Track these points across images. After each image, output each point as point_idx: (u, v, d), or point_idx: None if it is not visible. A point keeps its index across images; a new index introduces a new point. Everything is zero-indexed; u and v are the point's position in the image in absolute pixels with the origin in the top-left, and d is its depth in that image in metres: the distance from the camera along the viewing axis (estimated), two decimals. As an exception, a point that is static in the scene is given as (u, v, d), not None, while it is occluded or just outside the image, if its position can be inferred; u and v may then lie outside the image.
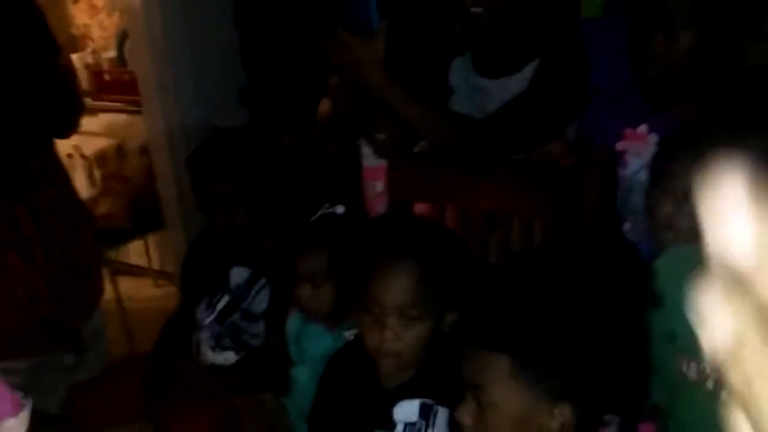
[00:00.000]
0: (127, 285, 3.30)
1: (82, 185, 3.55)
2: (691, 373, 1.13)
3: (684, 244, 1.19)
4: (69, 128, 1.99)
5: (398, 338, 1.28)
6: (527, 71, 1.67)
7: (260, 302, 1.79)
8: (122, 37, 3.49)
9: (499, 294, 1.23)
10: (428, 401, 1.33)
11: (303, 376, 1.64)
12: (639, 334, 1.22)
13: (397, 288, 1.26)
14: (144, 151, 3.25)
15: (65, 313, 1.88)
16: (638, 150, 1.57)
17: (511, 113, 1.63)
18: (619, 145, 1.59)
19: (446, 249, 1.31)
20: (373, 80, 1.58)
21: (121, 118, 3.49)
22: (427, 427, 1.34)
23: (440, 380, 1.30)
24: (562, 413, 0.98)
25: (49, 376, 1.87)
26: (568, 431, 0.99)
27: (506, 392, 0.99)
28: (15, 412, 1.12)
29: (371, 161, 1.94)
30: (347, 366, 1.38)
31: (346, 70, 1.63)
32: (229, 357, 1.81)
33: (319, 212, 1.59)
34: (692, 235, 1.18)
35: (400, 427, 1.36)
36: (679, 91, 1.54)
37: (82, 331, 1.96)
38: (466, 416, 1.04)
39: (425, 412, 1.34)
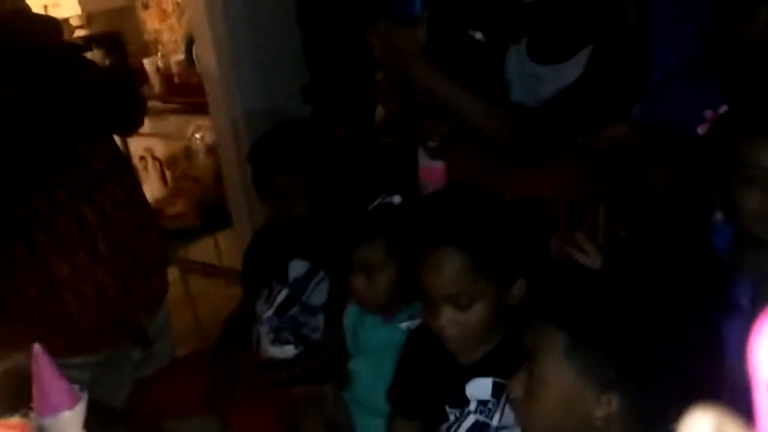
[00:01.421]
0: (198, 283, 3.36)
1: (154, 186, 3.65)
2: None
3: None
4: (131, 126, 2.03)
5: (454, 325, 1.26)
6: (582, 57, 1.61)
7: (319, 295, 1.79)
8: (190, 40, 3.55)
9: (572, 272, 1.20)
10: (502, 380, 1.28)
11: (361, 368, 1.62)
12: (713, 341, 1.17)
13: (442, 277, 1.23)
14: (211, 150, 3.30)
15: (132, 309, 1.91)
16: None
17: (564, 101, 1.57)
18: (701, 129, 1.53)
19: (490, 228, 1.26)
20: (416, 70, 1.54)
21: (191, 119, 3.56)
22: (498, 406, 1.31)
23: (516, 358, 1.25)
24: (609, 403, 0.94)
25: (116, 372, 1.92)
26: (615, 423, 0.95)
27: (558, 370, 0.96)
28: (71, 405, 1.13)
29: (428, 161, 1.90)
30: (426, 340, 1.35)
31: (388, 61, 1.60)
32: (288, 351, 1.81)
33: (376, 202, 1.58)
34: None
35: (473, 405, 1.33)
36: (757, 69, 1.46)
37: (149, 327, 1.99)
38: (517, 387, 1.02)
39: (498, 391, 1.31)
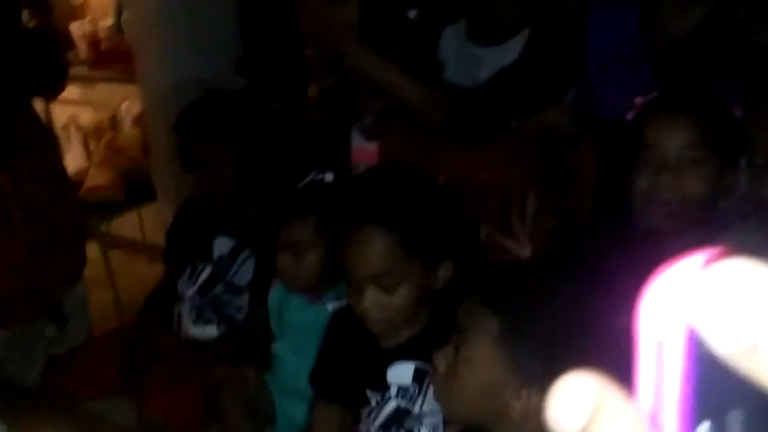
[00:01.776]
0: (120, 260, 3.25)
1: (77, 156, 3.50)
2: None
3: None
4: (52, 91, 1.95)
5: (378, 307, 1.23)
6: (520, 39, 1.60)
7: (244, 274, 1.74)
8: (120, 5, 3.42)
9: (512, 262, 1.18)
10: (424, 366, 1.26)
11: (285, 350, 1.59)
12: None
13: (368, 258, 1.20)
14: (139, 121, 3.19)
15: (47, 283, 1.84)
16: None
17: (501, 83, 1.55)
18: (630, 116, 1.54)
19: (419, 208, 1.23)
20: (347, 48, 1.49)
21: (118, 88, 3.43)
22: (419, 393, 1.29)
23: (440, 344, 1.24)
24: (529, 398, 0.93)
25: (28, 349, 1.84)
26: (532, 419, 0.93)
27: (485, 354, 0.94)
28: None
29: (361, 142, 1.87)
30: (349, 322, 1.32)
31: (318, 38, 1.55)
32: (210, 331, 1.76)
33: (308, 179, 1.53)
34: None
35: (393, 391, 1.31)
36: (689, 59, 1.47)
37: (64, 303, 1.91)
38: (441, 362, 0.99)
39: (420, 377, 1.29)
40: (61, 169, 1.96)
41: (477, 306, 0.97)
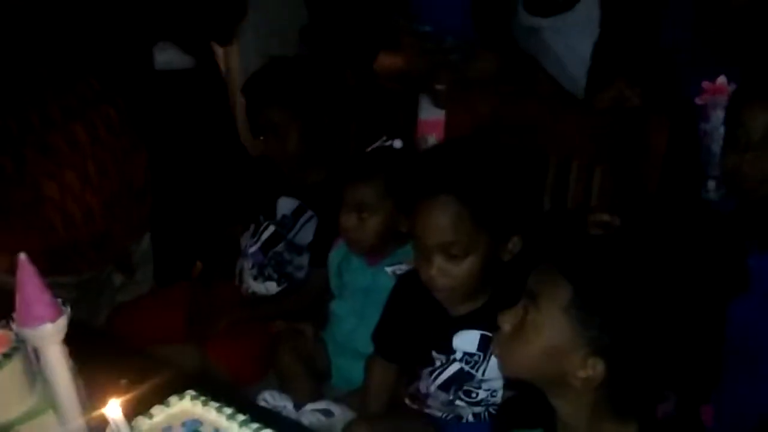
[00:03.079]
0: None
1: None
2: None
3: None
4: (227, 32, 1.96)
5: (445, 275, 1.26)
6: (581, 7, 1.59)
7: (306, 235, 1.77)
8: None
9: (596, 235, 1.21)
10: (489, 334, 1.29)
11: (342, 309, 1.63)
12: (717, 319, 1.18)
13: (436, 227, 1.23)
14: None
15: (117, 233, 1.89)
16: (719, 102, 1.51)
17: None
18: (699, 100, 1.54)
19: (490, 180, 1.25)
20: None
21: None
22: (484, 359, 1.33)
23: None
24: (594, 367, 0.93)
25: (97, 294, 1.91)
26: (591, 388, 0.95)
27: (554, 320, 0.95)
28: (53, 318, 1.12)
29: (428, 113, 1.88)
30: (416, 287, 1.35)
31: None
32: (270, 287, 1.80)
33: (377, 144, 1.56)
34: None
35: (458, 355, 1.34)
36: (751, 39, 1.46)
37: (133, 253, 1.98)
38: (507, 322, 1.00)
39: (484, 345, 1.32)
40: (138, 123, 1.98)
41: (551, 272, 0.97)
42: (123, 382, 1.13)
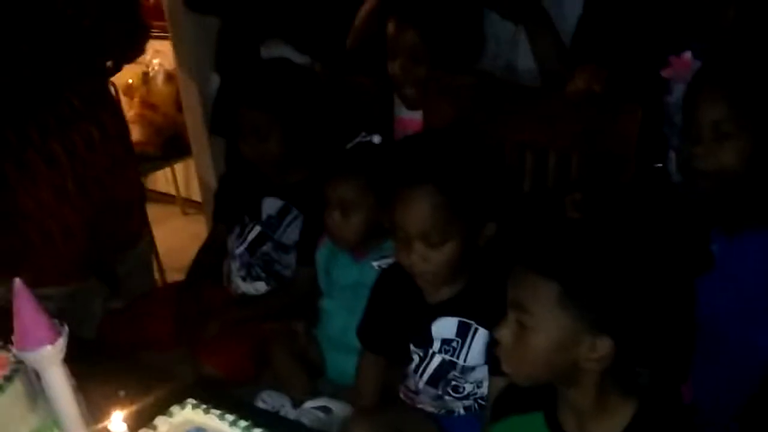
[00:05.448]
0: (155, 212, 3.30)
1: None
2: None
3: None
4: (132, 52, 1.94)
5: (425, 260, 1.30)
6: None
7: (292, 234, 1.79)
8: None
9: (557, 220, 1.24)
10: (467, 320, 1.35)
11: (332, 306, 1.65)
12: (685, 295, 1.22)
13: (416, 215, 1.27)
14: (170, 77, 3.20)
15: (99, 249, 1.89)
16: (683, 76, 1.53)
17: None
18: (665, 72, 1.57)
19: (467, 168, 1.29)
20: None
21: (149, 44, 3.42)
22: (463, 345, 1.36)
23: (483, 300, 1.31)
24: (604, 346, 0.97)
25: (85, 304, 1.90)
26: (604, 366, 0.98)
27: (551, 319, 0.98)
28: (52, 340, 1.12)
29: (405, 112, 1.88)
30: (396, 279, 1.40)
31: None
32: (259, 287, 1.82)
33: (356, 140, 1.58)
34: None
35: (436, 344, 1.38)
36: (719, 18, 1.49)
37: (117, 267, 1.97)
38: (506, 335, 1.03)
39: (463, 331, 1.36)
40: (123, 140, 1.97)
41: (526, 276, 1.00)
42: (121, 393, 1.14)
